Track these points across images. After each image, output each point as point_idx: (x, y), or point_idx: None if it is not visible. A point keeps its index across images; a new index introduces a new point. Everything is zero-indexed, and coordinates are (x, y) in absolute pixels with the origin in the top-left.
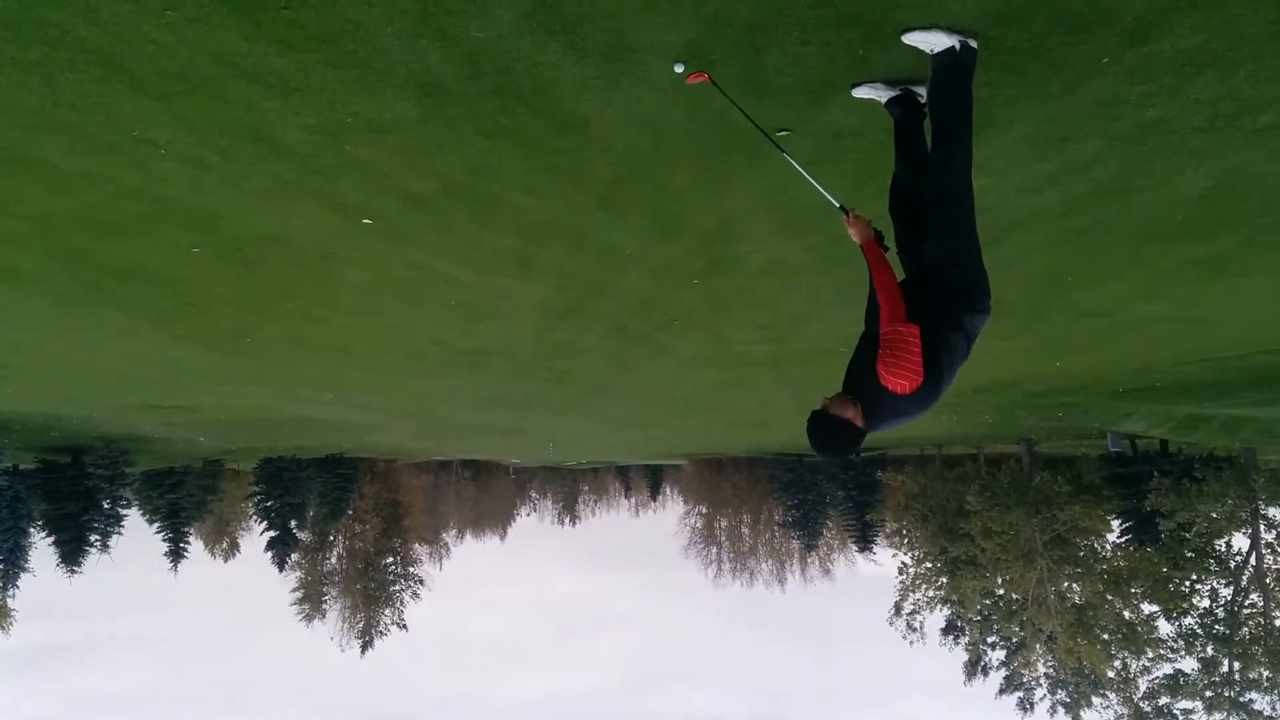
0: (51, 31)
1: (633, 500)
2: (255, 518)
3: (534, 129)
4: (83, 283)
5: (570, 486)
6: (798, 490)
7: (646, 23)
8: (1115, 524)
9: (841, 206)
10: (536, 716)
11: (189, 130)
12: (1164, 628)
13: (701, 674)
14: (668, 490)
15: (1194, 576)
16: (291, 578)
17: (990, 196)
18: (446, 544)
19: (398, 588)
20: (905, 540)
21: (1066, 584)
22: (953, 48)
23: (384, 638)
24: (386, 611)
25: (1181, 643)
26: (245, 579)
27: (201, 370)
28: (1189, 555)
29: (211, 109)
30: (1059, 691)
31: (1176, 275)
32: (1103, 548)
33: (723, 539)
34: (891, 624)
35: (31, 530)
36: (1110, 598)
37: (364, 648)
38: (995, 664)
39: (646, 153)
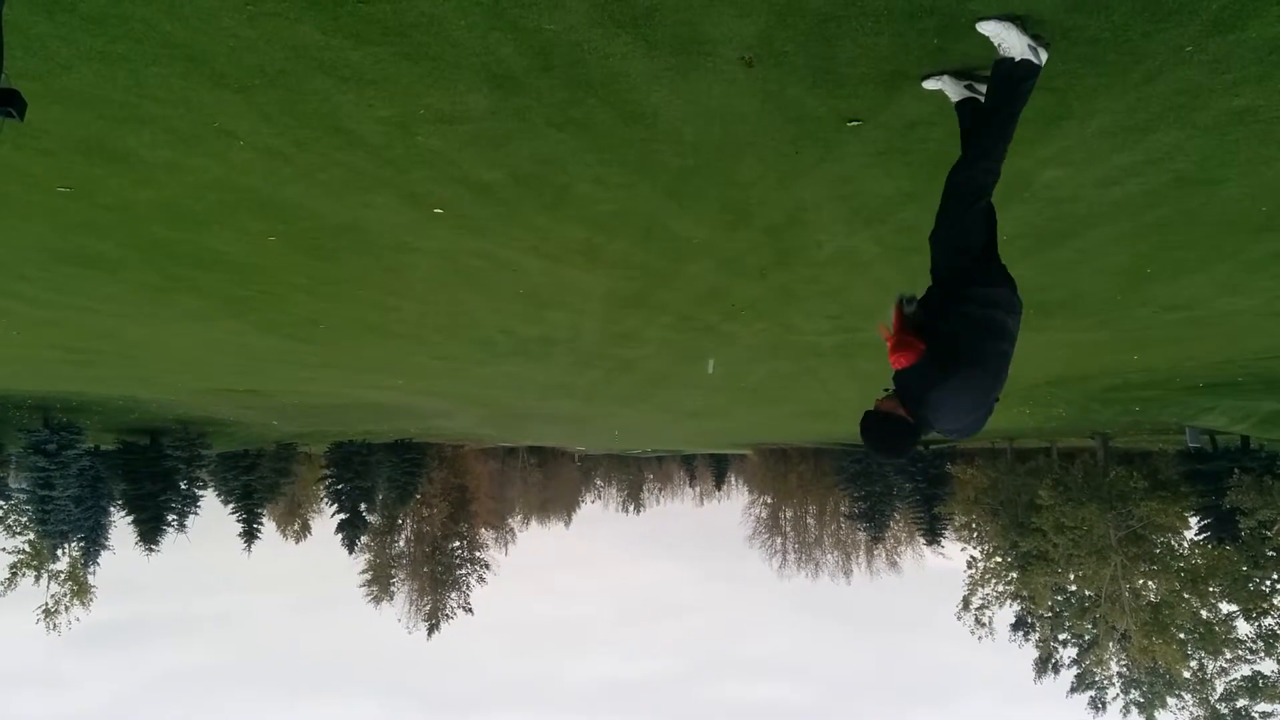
0: (137, 26)
1: (697, 489)
2: (326, 500)
3: (603, 120)
4: (162, 270)
5: (635, 474)
6: (864, 482)
7: (717, 14)
8: (1193, 521)
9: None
10: (599, 701)
11: (267, 122)
12: (1243, 628)
13: (764, 664)
14: (732, 480)
15: (1275, 576)
16: (361, 560)
17: (1068, 188)
18: (512, 529)
19: (464, 572)
20: (974, 534)
21: (1142, 581)
22: (1021, 52)
23: (450, 621)
24: (453, 595)
25: (1261, 644)
26: (316, 560)
27: (276, 356)
28: (1270, 554)
29: (289, 101)
30: (1132, 691)
31: (1261, 268)
32: (1180, 545)
33: (788, 529)
34: (959, 618)
35: (111, 509)
36: (1187, 596)
37: (430, 630)
38: (1066, 662)
39: (715, 144)
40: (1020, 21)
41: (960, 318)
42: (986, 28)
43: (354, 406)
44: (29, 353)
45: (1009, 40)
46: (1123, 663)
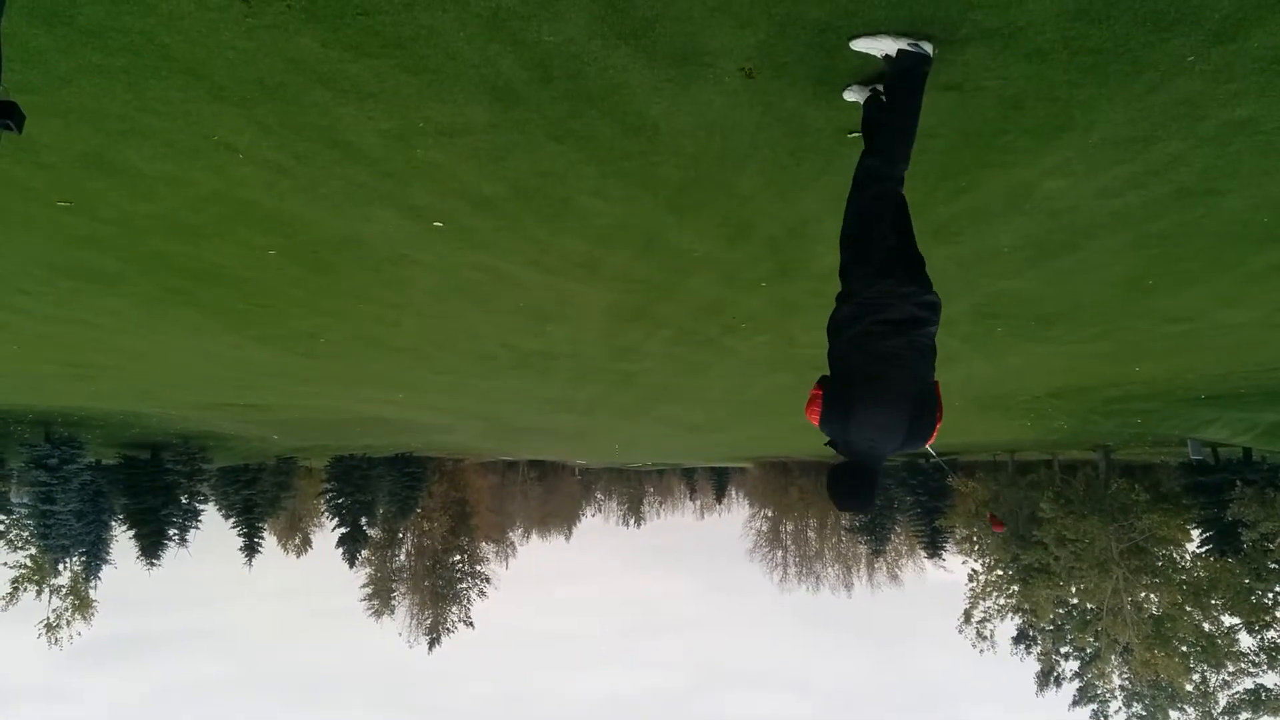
0: (136, 40)
1: (698, 502)
2: (327, 514)
3: (603, 133)
4: (162, 284)
5: (635, 488)
6: None
7: (718, 26)
8: (1195, 534)
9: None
10: (600, 715)
11: (267, 135)
12: (1245, 641)
13: (765, 677)
14: (733, 493)
15: (1277, 588)
16: (361, 574)
17: (1069, 199)
18: (513, 543)
19: (464, 585)
20: (976, 547)
21: (1144, 594)
22: (903, 51)
23: (451, 635)
24: (453, 609)
25: (1264, 656)
26: (317, 574)
27: (276, 370)
28: (1272, 567)
29: (289, 114)
30: (1135, 705)
31: (1263, 279)
32: (1182, 558)
33: (788, 542)
34: (961, 632)
35: (113, 524)
36: (1189, 609)
37: (431, 644)
38: (1069, 675)
39: (716, 156)
40: (890, 32)
41: (832, 330)
42: (859, 44)
43: (354, 420)
44: (29, 367)
45: (883, 45)
46: (1125, 676)
